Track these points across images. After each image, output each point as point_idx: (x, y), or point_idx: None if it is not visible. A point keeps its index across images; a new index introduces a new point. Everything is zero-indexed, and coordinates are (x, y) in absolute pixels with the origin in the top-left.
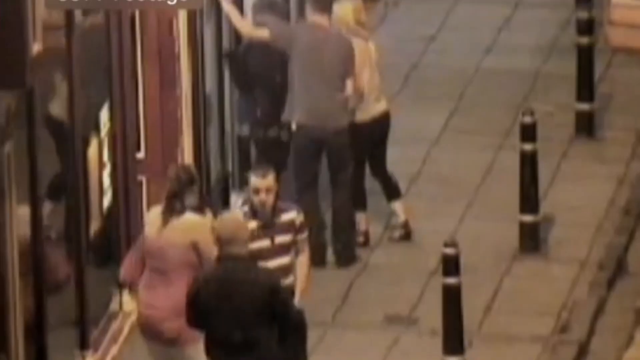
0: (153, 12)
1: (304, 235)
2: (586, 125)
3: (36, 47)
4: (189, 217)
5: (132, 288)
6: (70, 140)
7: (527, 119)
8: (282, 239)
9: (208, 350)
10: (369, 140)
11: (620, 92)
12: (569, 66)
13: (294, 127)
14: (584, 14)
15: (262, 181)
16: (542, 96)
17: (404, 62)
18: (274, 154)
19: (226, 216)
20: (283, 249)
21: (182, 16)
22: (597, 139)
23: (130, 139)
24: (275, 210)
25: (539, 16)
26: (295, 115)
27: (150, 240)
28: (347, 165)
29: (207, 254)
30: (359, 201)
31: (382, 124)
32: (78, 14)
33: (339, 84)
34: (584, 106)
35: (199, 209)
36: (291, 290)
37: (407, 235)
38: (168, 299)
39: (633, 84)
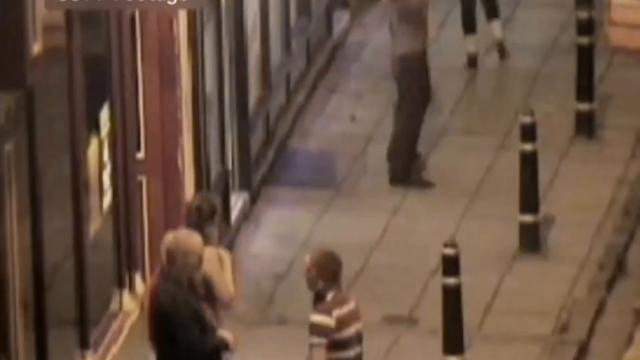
0: (153, 12)
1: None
2: (586, 126)
3: (36, 47)
4: (206, 250)
5: None
6: (70, 140)
7: (527, 119)
8: None
9: None
10: None
11: (620, 92)
12: (569, 66)
13: None
14: (584, 14)
15: None
16: (542, 96)
17: None
18: None
19: (178, 232)
20: None
21: (182, 16)
22: (597, 139)
23: (130, 139)
24: None
25: (539, 16)
26: None
27: None
28: (406, 92)
29: (217, 285)
30: (469, 25)
31: None
32: (78, 14)
33: (402, 13)
34: (584, 106)
35: (219, 240)
36: None
37: (502, 53)
38: None
39: (633, 84)
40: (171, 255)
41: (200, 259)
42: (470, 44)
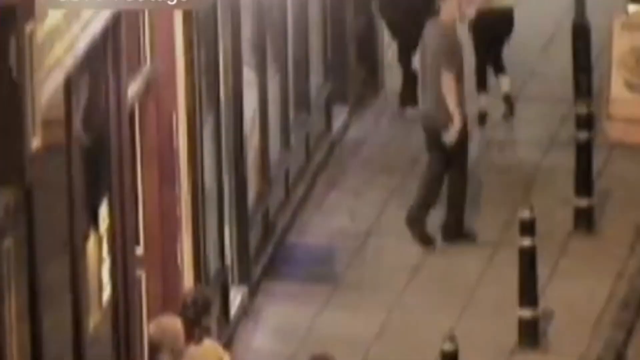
0: (153, 106)
1: None
2: (585, 221)
3: (35, 143)
4: (205, 343)
5: None
6: (69, 236)
7: (526, 214)
8: None
9: None
10: (490, 30)
11: (619, 188)
12: (568, 161)
13: None
14: (582, 109)
15: None
16: (541, 191)
17: (403, 161)
18: None
19: (161, 320)
20: None
21: (181, 112)
22: (596, 234)
23: (129, 234)
24: None
25: (539, 111)
26: None
27: None
28: (457, 156)
29: None
30: (482, 83)
31: (503, 19)
32: (77, 111)
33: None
34: (583, 201)
35: (218, 334)
36: None
37: (510, 109)
38: None
39: (632, 179)
40: (158, 343)
41: (182, 344)
42: (483, 100)
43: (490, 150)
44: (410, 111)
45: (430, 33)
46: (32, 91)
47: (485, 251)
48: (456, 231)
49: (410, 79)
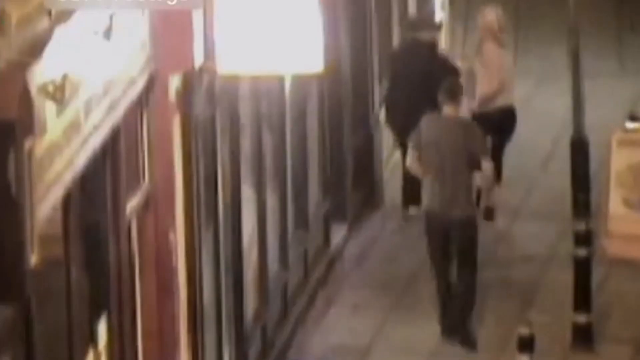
0: (151, 222)
1: None
2: (584, 337)
3: (34, 259)
4: None
5: None
6: (67, 353)
7: (524, 330)
8: None
9: None
10: (497, 127)
11: (617, 304)
12: (566, 278)
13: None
14: (581, 226)
15: None
16: (540, 308)
17: (403, 276)
18: None
19: None
20: None
21: (180, 228)
22: (595, 351)
23: (128, 351)
24: None
25: (538, 227)
26: (425, 201)
27: None
28: (472, 252)
29: None
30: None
31: (507, 115)
32: (76, 227)
33: (465, 171)
34: (582, 317)
35: None
36: None
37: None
38: None
39: (631, 296)
40: None
41: None
42: (495, 193)
43: (488, 265)
44: (414, 212)
45: (437, 128)
46: (31, 207)
47: None
48: (462, 334)
49: (412, 181)
